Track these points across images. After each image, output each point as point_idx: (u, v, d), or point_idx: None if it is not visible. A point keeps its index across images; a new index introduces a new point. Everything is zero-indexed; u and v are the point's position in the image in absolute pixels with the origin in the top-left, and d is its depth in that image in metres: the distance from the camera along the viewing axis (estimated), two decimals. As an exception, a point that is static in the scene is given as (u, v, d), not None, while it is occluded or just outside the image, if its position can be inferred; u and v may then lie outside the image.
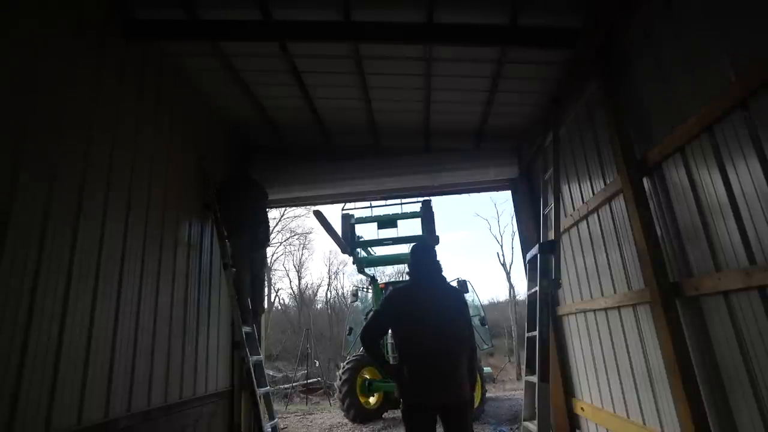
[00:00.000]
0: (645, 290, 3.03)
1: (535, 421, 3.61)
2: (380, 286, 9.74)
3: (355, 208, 9.17)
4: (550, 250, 3.91)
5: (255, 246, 4.80)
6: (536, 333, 3.80)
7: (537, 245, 4.10)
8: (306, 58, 4.21)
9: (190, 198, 4.32)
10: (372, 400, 7.96)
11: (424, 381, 2.74)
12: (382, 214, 9.25)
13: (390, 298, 3.02)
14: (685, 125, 2.53)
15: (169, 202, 3.88)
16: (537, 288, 3.94)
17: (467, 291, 10.21)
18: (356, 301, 11.84)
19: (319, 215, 7.38)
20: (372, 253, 9.73)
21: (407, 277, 3.32)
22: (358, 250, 8.84)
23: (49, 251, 2.55)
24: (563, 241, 4.63)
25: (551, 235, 4.11)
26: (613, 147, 3.25)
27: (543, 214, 4.60)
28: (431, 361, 2.75)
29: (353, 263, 9.11)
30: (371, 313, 7.67)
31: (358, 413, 7.66)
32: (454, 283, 10.32)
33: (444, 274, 3.16)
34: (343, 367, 8.14)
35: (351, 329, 10.87)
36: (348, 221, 8.98)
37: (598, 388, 4.03)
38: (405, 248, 9.29)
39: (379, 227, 9.11)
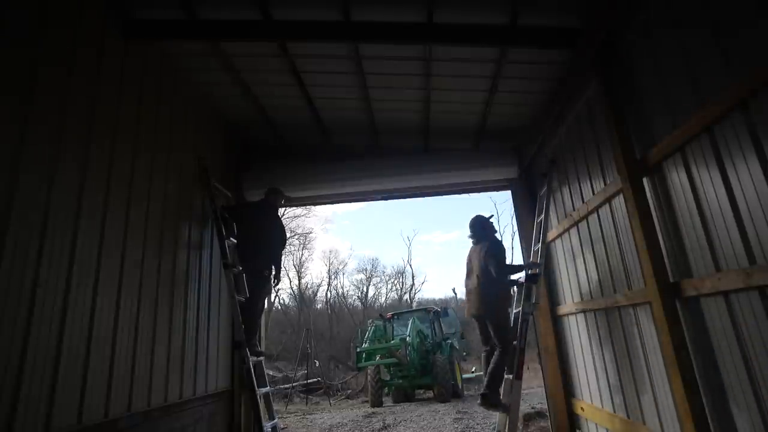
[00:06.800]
0: (645, 290, 3.03)
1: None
2: (387, 316, 13.70)
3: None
4: (533, 281, 4.62)
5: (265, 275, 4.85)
6: (516, 343, 4.44)
7: (524, 274, 4.73)
8: (306, 58, 4.21)
9: (189, 198, 4.32)
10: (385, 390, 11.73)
11: None
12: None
13: None
14: (685, 125, 2.52)
15: (169, 202, 3.88)
16: (520, 309, 4.59)
17: (447, 315, 14.45)
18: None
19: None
20: None
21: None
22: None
23: (49, 251, 2.55)
24: (563, 240, 4.69)
25: (541, 249, 4.81)
26: (613, 147, 3.25)
27: (536, 222, 5.01)
28: None
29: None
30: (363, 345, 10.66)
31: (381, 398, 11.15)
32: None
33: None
34: (372, 373, 11.31)
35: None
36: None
37: (598, 388, 4.04)
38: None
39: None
